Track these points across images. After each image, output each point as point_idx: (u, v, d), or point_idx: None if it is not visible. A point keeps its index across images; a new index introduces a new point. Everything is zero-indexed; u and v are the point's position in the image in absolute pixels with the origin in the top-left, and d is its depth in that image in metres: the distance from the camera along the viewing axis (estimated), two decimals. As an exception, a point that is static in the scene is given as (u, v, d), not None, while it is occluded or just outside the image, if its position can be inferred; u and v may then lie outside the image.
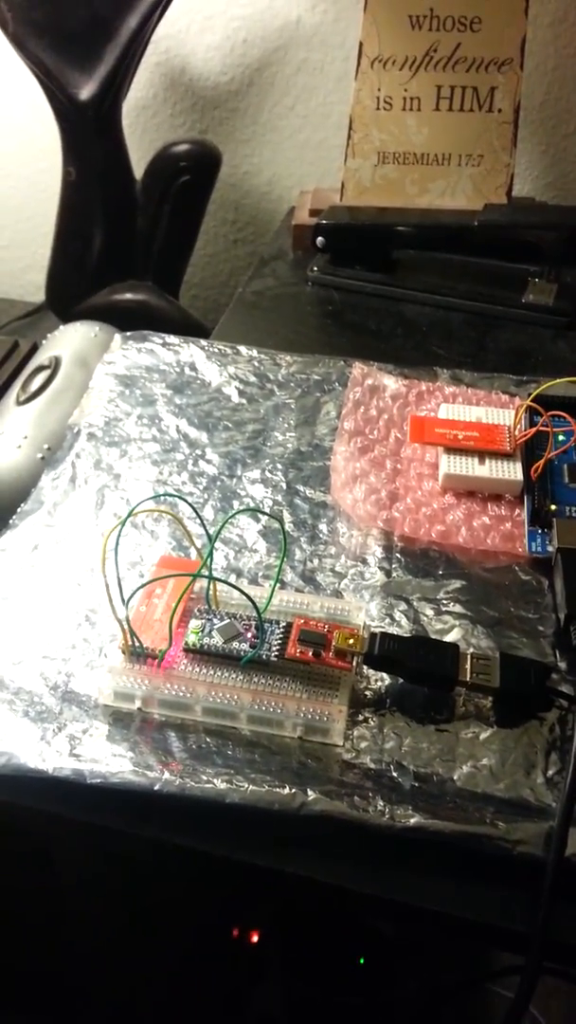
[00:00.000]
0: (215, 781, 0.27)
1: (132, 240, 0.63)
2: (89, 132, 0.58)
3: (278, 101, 0.64)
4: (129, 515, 0.30)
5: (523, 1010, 0.25)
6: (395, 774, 0.28)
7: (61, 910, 0.44)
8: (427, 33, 0.52)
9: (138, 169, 0.62)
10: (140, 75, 0.60)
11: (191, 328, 0.58)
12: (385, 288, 0.53)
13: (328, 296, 0.53)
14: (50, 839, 0.36)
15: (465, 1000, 0.64)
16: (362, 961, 0.58)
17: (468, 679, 0.29)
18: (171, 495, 0.38)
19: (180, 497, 0.37)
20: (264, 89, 0.63)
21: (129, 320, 0.54)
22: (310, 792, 0.27)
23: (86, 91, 0.56)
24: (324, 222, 0.53)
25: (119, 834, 0.28)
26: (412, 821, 0.26)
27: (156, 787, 0.27)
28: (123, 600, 0.30)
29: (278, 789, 0.27)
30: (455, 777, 0.28)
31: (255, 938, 0.55)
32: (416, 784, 0.27)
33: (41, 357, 0.51)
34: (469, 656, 0.30)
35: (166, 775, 0.27)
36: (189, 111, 0.66)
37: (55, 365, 0.50)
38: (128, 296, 0.63)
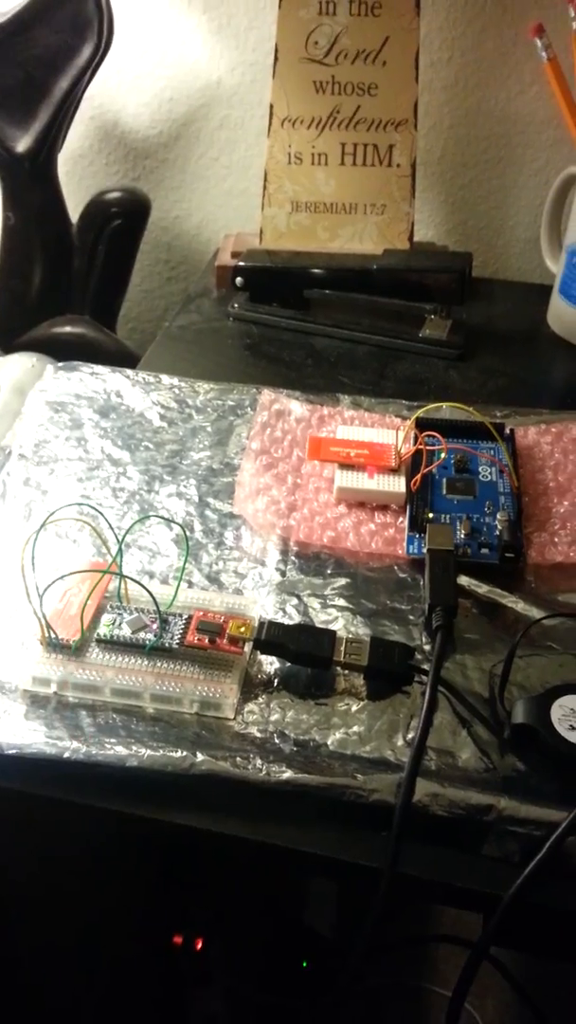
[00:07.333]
0: (117, 749, 0.31)
1: (70, 278, 0.67)
2: (26, 181, 0.63)
3: (203, 153, 0.69)
4: (45, 522, 0.34)
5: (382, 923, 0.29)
6: (277, 741, 0.32)
7: (2, 919, 0.46)
8: (330, 97, 0.58)
9: (76, 213, 0.67)
10: (76, 128, 0.66)
11: (126, 359, 0.63)
12: (298, 323, 0.58)
13: (247, 330, 0.59)
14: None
15: (405, 1001, 0.68)
16: (304, 965, 0.61)
17: (342, 659, 0.34)
18: (86, 504, 0.42)
19: (92, 507, 0.41)
20: (190, 142, 0.69)
21: (68, 351, 0.58)
22: (199, 755, 0.31)
23: (22, 144, 0.61)
24: (243, 264, 0.59)
25: (44, 801, 0.31)
26: (284, 776, 0.30)
27: (65, 755, 0.31)
28: (39, 597, 0.34)
29: (171, 753, 0.31)
30: (328, 742, 0.32)
31: (199, 945, 0.58)
32: (295, 748, 0.32)
33: (-20, 386, 0.55)
34: (344, 640, 0.34)
35: (74, 744, 0.31)
36: (122, 161, 0.71)
37: (-7, 394, 0.54)
38: (67, 329, 0.67)
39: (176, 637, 0.34)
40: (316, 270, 0.58)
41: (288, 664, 0.35)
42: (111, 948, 0.53)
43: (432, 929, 0.66)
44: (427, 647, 0.36)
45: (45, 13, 0.58)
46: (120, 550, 0.36)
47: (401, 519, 0.42)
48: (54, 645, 0.34)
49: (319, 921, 0.62)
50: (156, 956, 0.56)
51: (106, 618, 0.35)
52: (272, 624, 0.35)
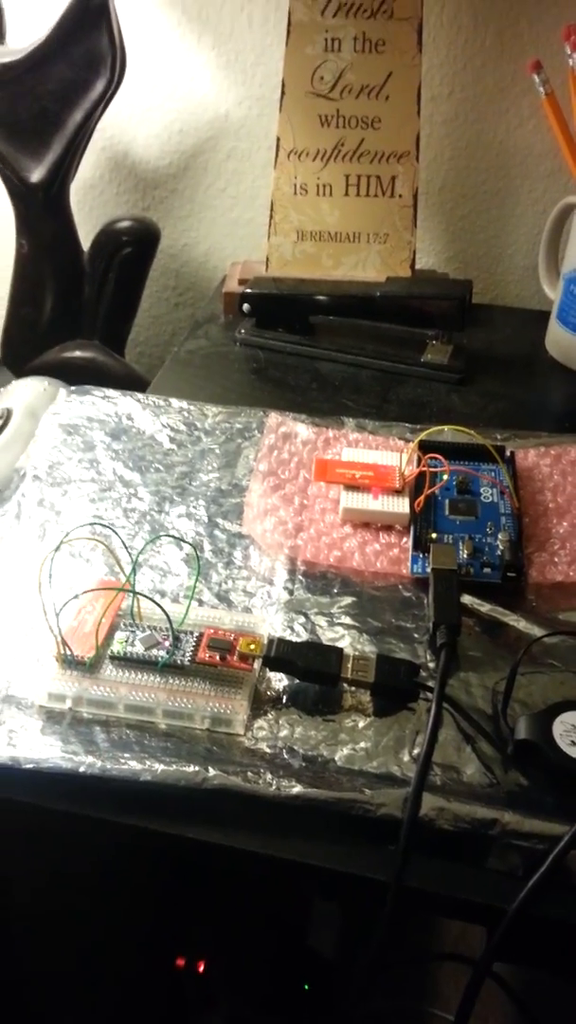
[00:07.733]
0: (131, 763, 0.32)
1: (80, 305, 0.69)
2: (39, 210, 0.64)
3: (211, 184, 0.71)
4: (61, 543, 0.35)
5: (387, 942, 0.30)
6: (287, 756, 0.33)
7: (7, 938, 0.46)
8: (334, 130, 0.60)
9: (87, 240, 0.68)
10: (88, 158, 0.68)
11: (135, 382, 0.64)
12: (303, 348, 0.60)
13: (254, 355, 0.60)
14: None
15: (407, 1023, 0.68)
16: (307, 988, 0.61)
17: (349, 676, 0.35)
18: (100, 524, 0.43)
19: (108, 527, 0.42)
20: (199, 173, 0.71)
21: (78, 375, 0.60)
22: (211, 770, 0.32)
23: (36, 175, 0.63)
24: (250, 291, 0.60)
25: (59, 815, 0.32)
26: (294, 790, 0.31)
27: (81, 769, 0.32)
28: (56, 615, 0.35)
29: (184, 768, 0.32)
30: (336, 758, 0.33)
31: (202, 968, 0.58)
32: (304, 764, 0.33)
33: (-6, 409, 0.56)
34: (351, 657, 0.35)
35: (89, 759, 0.32)
36: (132, 190, 0.73)
37: (7, 416, 0.55)
38: (77, 354, 0.69)
39: (188, 654, 0.35)
40: (321, 297, 0.60)
41: (296, 681, 0.36)
42: (115, 968, 0.54)
43: (434, 949, 0.66)
44: (432, 664, 0.37)
45: (61, 49, 0.60)
46: (134, 568, 0.37)
47: (405, 539, 0.43)
48: (69, 662, 0.35)
49: (322, 943, 0.62)
50: (160, 978, 0.56)
51: (119, 635, 0.36)
52: (281, 641, 0.36)
